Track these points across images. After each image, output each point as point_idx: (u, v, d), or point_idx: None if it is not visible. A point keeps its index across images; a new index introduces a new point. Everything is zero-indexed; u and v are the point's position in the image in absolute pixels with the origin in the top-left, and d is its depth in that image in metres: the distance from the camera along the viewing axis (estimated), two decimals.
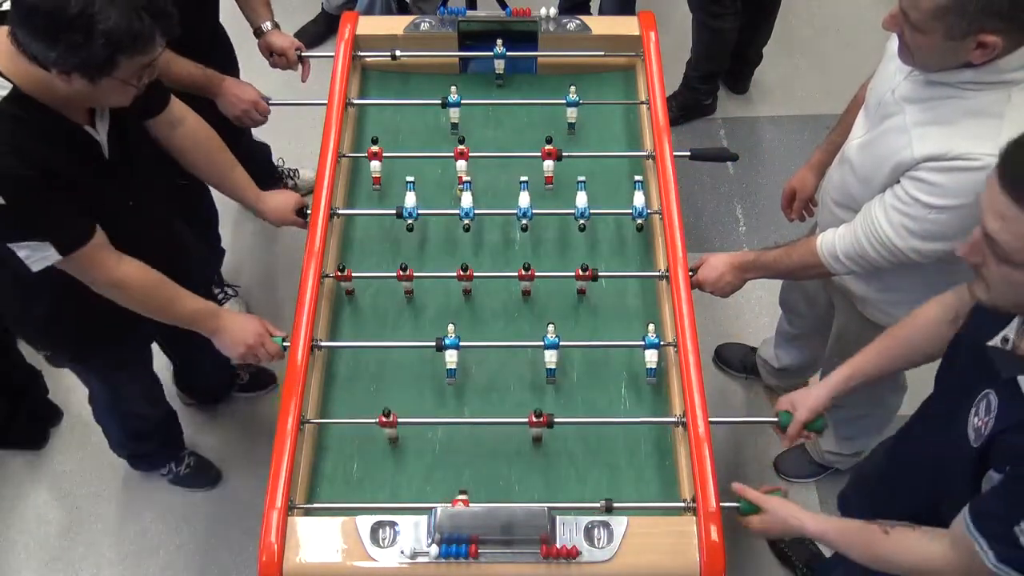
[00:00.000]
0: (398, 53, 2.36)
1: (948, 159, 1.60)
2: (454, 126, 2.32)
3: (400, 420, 1.86)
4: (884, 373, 1.77)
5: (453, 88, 2.30)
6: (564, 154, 2.20)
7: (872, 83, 1.88)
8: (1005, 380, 1.34)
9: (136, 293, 1.82)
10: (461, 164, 2.17)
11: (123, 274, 1.78)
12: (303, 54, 2.49)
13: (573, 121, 2.33)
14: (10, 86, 1.56)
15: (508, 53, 2.38)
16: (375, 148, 2.17)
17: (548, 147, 2.16)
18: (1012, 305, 1.34)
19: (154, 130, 1.96)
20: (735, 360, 2.96)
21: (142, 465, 2.72)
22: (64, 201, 1.64)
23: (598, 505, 1.71)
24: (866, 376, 1.76)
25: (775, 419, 1.82)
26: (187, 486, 2.74)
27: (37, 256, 1.64)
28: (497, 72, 2.40)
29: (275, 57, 2.47)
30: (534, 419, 1.79)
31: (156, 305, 1.87)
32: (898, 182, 1.70)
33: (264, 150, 3.19)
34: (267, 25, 2.45)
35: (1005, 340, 1.36)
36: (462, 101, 2.29)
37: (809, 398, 1.78)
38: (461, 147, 2.17)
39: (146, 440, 2.60)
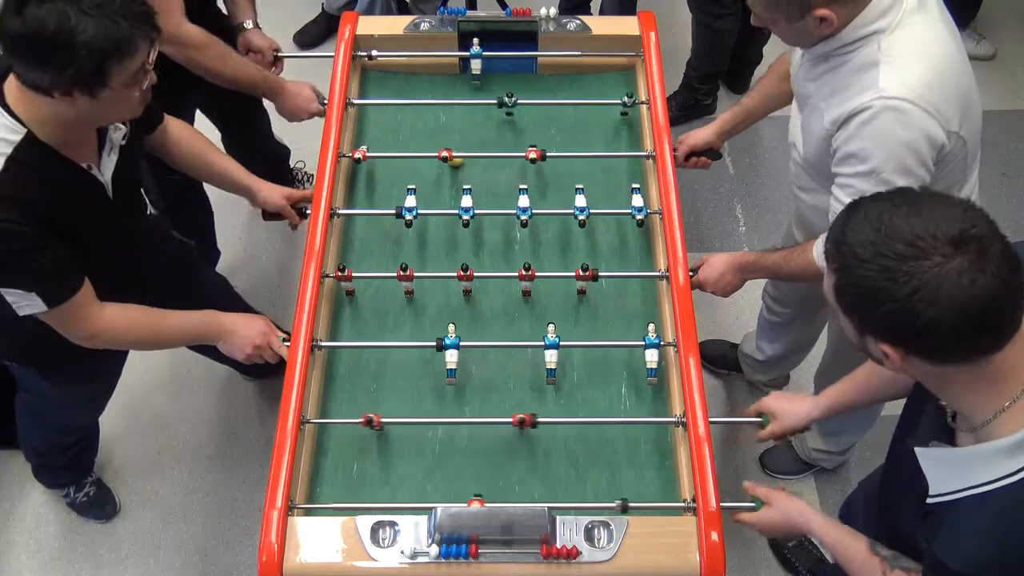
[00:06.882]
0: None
1: (847, 118, 1.67)
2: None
3: (400, 420, 1.87)
4: (865, 404, 1.79)
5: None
6: (565, 155, 2.20)
7: (791, 72, 1.96)
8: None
9: (120, 335, 1.83)
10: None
11: (105, 322, 1.79)
12: (279, 55, 2.49)
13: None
14: (24, 131, 1.58)
15: (508, 53, 2.38)
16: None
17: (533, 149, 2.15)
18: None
19: (148, 143, 1.96)
20: (716, 357, 2.94)
21: (47, 478, 2.65)
22: (59, 253, 1.65)
23: (613, 505, 1.71)
24: (849, 406, 1.79)
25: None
26: (81, 513, 2.67)
27: (23, 303, 1.67)
28: (474, 72, 2.38)
29: (251, 55, 2.47)
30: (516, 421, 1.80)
31: (144, 340, 1.91)
32: (836, 175, 1.75)
33: (283, 153, 3.16)
34: (248, 23, 2.46)
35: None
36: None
37: (790, 416, 1.81)
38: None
39: (64, 452, 2.52)
